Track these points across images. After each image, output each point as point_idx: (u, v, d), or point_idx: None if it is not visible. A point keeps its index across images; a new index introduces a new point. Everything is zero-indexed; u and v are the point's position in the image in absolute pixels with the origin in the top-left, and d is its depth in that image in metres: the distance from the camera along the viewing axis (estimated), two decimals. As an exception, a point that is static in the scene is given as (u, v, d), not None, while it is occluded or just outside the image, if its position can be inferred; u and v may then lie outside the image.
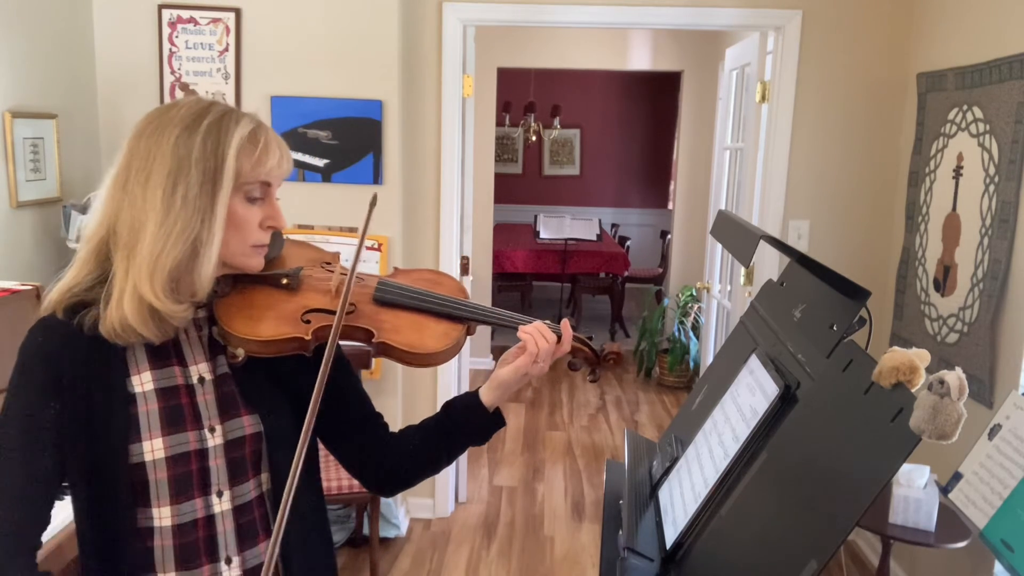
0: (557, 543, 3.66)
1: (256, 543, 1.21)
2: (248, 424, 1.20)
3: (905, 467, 2.42)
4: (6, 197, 2.79)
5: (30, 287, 2.41)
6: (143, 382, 1.14)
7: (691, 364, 5.85)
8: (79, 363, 1.12)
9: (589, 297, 7.87)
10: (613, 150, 9.43)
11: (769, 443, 1.17)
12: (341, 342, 1.17)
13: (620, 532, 1.28)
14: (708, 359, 4.70)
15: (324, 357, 1.12)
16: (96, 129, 3.30)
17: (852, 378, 1.07)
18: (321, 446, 1.36)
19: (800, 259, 1.38)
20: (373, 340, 1.23)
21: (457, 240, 3.62)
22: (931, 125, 3.14)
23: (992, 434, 2.25)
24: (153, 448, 1.12)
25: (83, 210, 2.88)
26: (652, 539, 1.27)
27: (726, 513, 1.16)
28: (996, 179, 2.64)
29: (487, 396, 1.32)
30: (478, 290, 5.61)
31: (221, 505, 1.18)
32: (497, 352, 5.91)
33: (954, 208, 2.93)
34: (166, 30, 3.26)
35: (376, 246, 3.36)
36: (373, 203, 1.20)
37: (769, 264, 3.49)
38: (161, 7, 3.25)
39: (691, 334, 5.86)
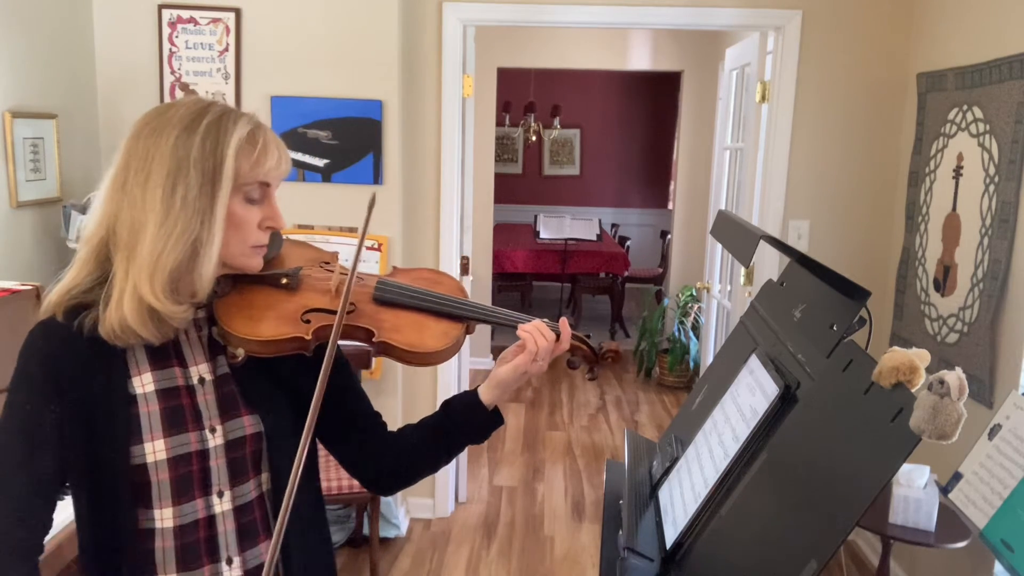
0: (557, 543, 3.66)
1: (256, 543, 1.21)
2: (248, 424, 1.20)
3: (905, 467, 2.42)
4: (6, 197, 2.79)
5: (30, 287, 2.41)
6: (144, 383, 1.14)
7: (691, 364, 5.85)
8: (79, 365, 1.11)
9: (589, 297, 7.87)
10: (613, 150, 9.43)
11: (769, 443, 1.17)
12: (341, 342, 1.17)
13: (620, 532, 1.28)
14: (708, 359, 4.70)
15: (325, 357, 1.12)
16: (96, 129, 3.30)
17: (852, 378, 1.07)
18: (320, 446, 1.36)
19: (800, 259, 1.38)
20: (373, 339, 1.23)
21: (457, 240, 3.62)
22: (931, 125, 3.14)
23: (992, 434, 2.25)
24: (155, 449, 1.12)
25: (83, 210, 2.88)
26: (652, 539, 1.27)
27: (726, 513, 1.16)
28: (996, 179, 2.64)
29: (486, 395, 1.32)
30: (478, 290, 5.61)
31: (222, 505, 1.18)
32: (497, 352, 5.91)
33: (954, 208, 2.93)
34: (166, 30, 3.26)
35: (376, 246, 3.36)
36: (372, 204, 1.20)
37: (769, 264, 3.49)
38: (161, 7, 3.25)
39: (691, 334, 5.86)
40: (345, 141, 3.32)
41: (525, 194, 9.46)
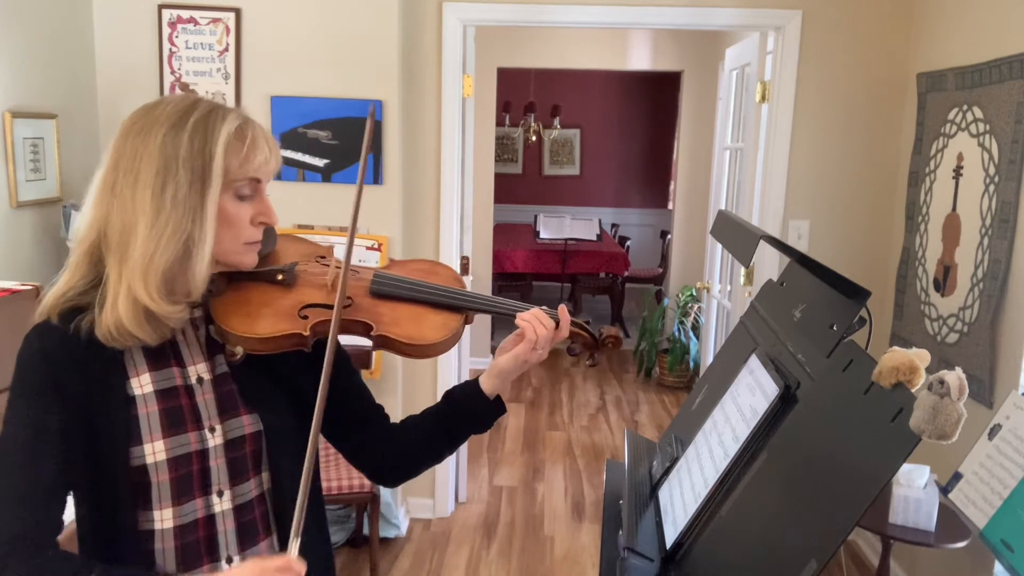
0: (557, 543, 3.66)
1: (256, 542, 1.21)
2: (248, 423, 1.20)
3: (905, 467, 2.42)
4: (6, 197, 2.79)
5: (30, 287, 2.41)
6: (142, 384, 1.14)
7: (691, 364, 5.85)
8: (77, 368, 1.11)
9: (589, 297, 7.88)
10: (613, 150, 9.43)
11: (769, 443, 1.17)
12: (340, 337, 1.17)
13: (620, 532, 1.28)
14: (708, 359, 4.70)
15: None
16: (96, 129, 3.30)
17: (852, 378, 1.07)
18: (321, 443, 1.36)
19: (800, 259, 1.38)
20: (372, 333, 1.22)
21: (457, 240, 3.62)
22: (931, 125, 3.14)
23: (992, 434, 2.25)
24: (154, 450, 1.12)
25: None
26: (652, 539, 1.27)
27: (726, 513, 1.16)
28: (996, 179, 2.64)
29: (487, 384, 1.32)
30: (478, 290, 5.58)
31: (222, 505, 1.17)
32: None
33: (954, 208, 2.93)
34: (166, 30, 3.26)
35: (376, 246, 3.36)
36: (372, 116, 1.18)
37: (769, 264, 3.49)
38: (161, 7, 3.25)
39: (691, 334, 5.86)
40: (345, 141, 3.32)
41: (525, 194, 9.46)
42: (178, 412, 1.15)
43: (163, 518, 1.13)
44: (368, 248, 3.35)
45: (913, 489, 2.47)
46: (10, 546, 1.06)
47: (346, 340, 1.23)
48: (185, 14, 3.25)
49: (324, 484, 2.95)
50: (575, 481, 4.34)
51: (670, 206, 8.75)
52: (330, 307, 1.19)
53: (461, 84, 3.50)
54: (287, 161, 3.30)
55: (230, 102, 3.26)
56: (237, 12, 3.25)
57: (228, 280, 1.20)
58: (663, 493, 1.38)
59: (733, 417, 1.29)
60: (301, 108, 3.30)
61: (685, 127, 6.51)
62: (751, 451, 1.19)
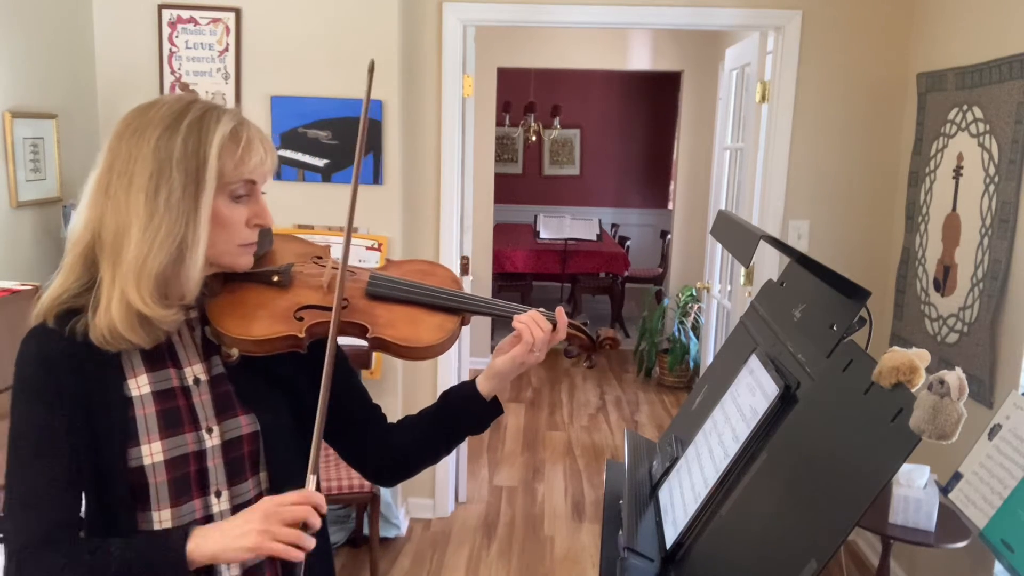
0: (557, 543, 3.66)
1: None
2: (245, 424, 1.19)
3: (905, 467, 2.42)
4: (6, 197, 2.79)
5: (30, 287, 2.41)
6: (139, 385, 1.14)
7: (691, 364, 5.85)
8: (75, 370, 1.11)
9: (589, 297, 7.87)
10: (613, 150, 9.43)
11: (769, 443, 1.17)
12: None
13: (620, 532, 1.28)
14: (708, 359, 4.70)
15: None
16: (96, 129, 3.30)
17: (852, 378, 1.07)
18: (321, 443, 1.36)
19: (800, 259, 1.38)
20: (368, 335, 1.22)
21: (457, 240, 3.62)
22: (931, 125, 3.14)
23: (992, 434, 2.25)
24: (152, 452, 1.12)
25: (83, 210, 2.88)
26: (652, 539, 1.27)
27: (726, 513, 1.16)
28: (996, 179, 2.64)
29: (484, 385, 1.32)
30: (478, 290, 5.60)
31: (220, 505, 1.17)
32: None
33: (954, 208, 2.93)
34: (166, 30, 3.26)
35: (376, 246, 3.36)
36: (371, 71, 1.18)
37: (769, 264, 3.49)
38: (161, 7, 3.25)
39: (691, 334, 5.86)
40: (345, 141, 3.31)
41: (525, 194, 9.46)
42: (175, 413, 1.15)
43: (162, 519, 1.13)
44: (368, 248, 3.35)
45: (913, 489, 2.47)
46: (28, 547, 1.06)
47: (345, 340, 1.23)
48: (185, 14, 3.25)
49: (324, 484, 2.95)
50: (575, 481, 4.34)
51: (670, 206, 8.75)
52: (326, 308, 1.19)
53: (461, 84, 3.50)
54: (287, 161, 3.30)
55: (230, 102, 3.26)
56: (237, 12, 3.25)
57: (224, 281, 1.19)
58: (663, 493, 1.38)
59: (733, 417, 1.29)
60: (301, 108, 3.30)
61: (685, 127, 6.51)
62: (751, 451, 1.19)
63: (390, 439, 1.35)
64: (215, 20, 3.26)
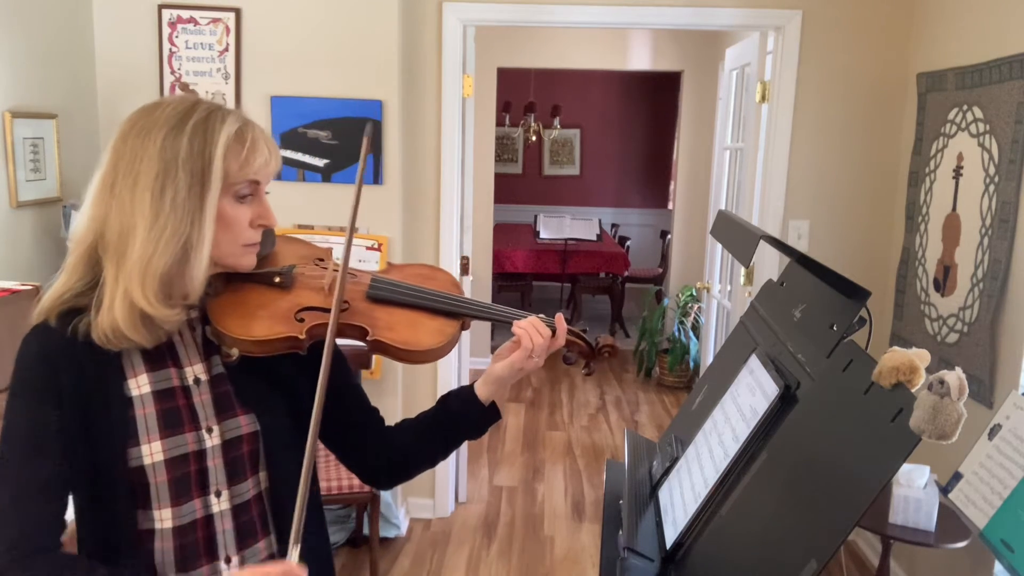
0: (557, 543, 3.66)
1: (255, 542, 1.21)
2: (245, 424, 1.20)
3: (905, 467, 2.42)
4: (6, 197, 2.79)
5: (30, 287, 2.41)
6: (139, 385, 1.14)
7: (691, 364, 5.85)
8: (75, 369, 1.11)
9: (589, 297, 7.87)
10: (613, 150, 9.43)
11: (769, 443, 1.17)
12: (335, 339, 1.17)
13: (620, 532, 1.28)
14: (708, 359, 4.70)
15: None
16: (96, 129, 3.30)
17: (852, 378, 1.07)
18: (319, 444, 1.36)
19: (800, 259, 1.38)
20: (367, 338, 1.22)
21: (457, 240, 3.62)
22: (931, 125, 3.14)
23: (992, 434, 2.25)
24: (152, 451, 1.12)
25: (83, 210, 2.88)
26: (652, 539, 1.27)
27: (726, 513, 1.16)
28: (996, 179, 2.64)
29: (482, 390, 1.32)
30: (478, 290, 5.61)
31: (220, 505, 1.17)
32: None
33: (954, 208, 2.93)
34: (166, 30, 3.26)
35: (376, 246, 3.36)
36: (369, 136, 1.18)
37: (769, 264, 3.49)
38: (161, 7, 3.25)
39: (691, 334, 5.86)
40: (345, 141, 3.32)
41: (525, 194, 9.46)
42: (175, 413, 1.15)
43: (162, 518, 1.13)
44: (368, 248, 3.35)
45: (913, 489, 2.47)
46: (13, 550, 1.06)
47: (345, 341, 1.23)
48: (185, 14, 3.25)
49: (324, 484, 2.95)
50: (575, 481, 4.34)
51: (670, 206, 8.75)
52: (327, 310, 1.19)
53: (461, 84, 3.50)
54: (287, 161, 3.30)
55: (230, 102, 3.27)
56: (237, 12, 3.25)
57: (226, 281, 1.19)
58: (663, 493, 1.38)
59: (733, 417, 1.29)
60: (301, 108, 3.30)
61: (685, 127, 6.51)
62: (751, 451, 1.19)
63: (388, 442, 1.35)
64: (215, 20, 3.26)
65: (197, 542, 1.16)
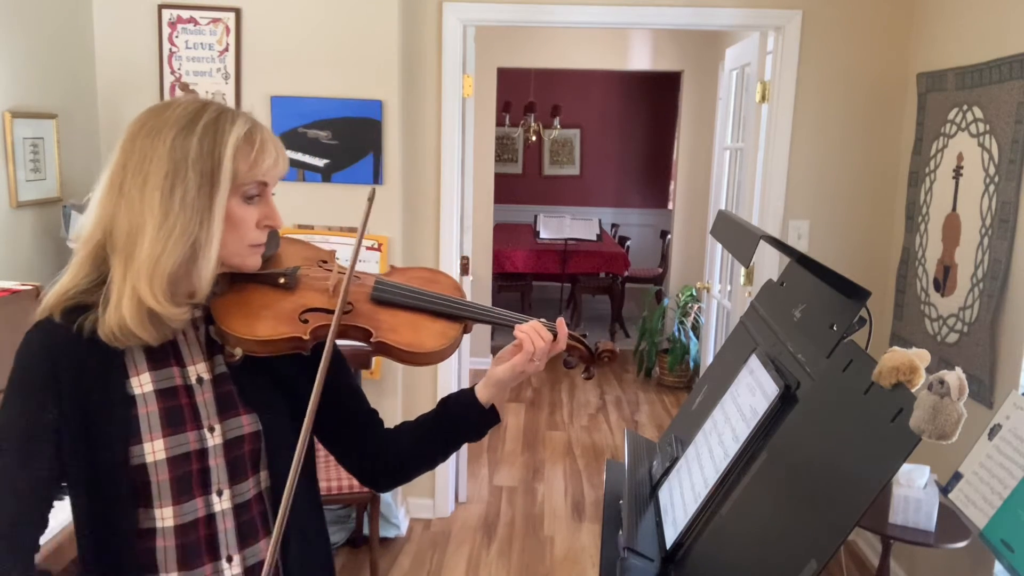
0: (557, 543, 3.66)
1: (256, 541, 1.22)
2: (247, 423, 1.20)
3: (905, 467, 2.42)
4: (6, 197, 2.79)
5: (30, 287, 2.41)
6: (142, 383, 1.14)
7: (691, 364, 5.85)
8: (77, 366, 1.11)
9: (589, 297, 7.87)
10: (613, 150, 9.43)
11: (769, 443, 1.17)
12: (339, 341, 1.17)
13: (620, 532, 1.28)
14: (708, 359, 4.70)
15: (323, 356, 1.12)
16: (96, 129, 3.30)
17: (852, 378, 1.07)
18: (319, 445, 1.36)
19: (800, 259, 1.38)
20: (371, 339, 1.23)
21: (457, 240, 3.62)
22: (931, 125, 3.14)
23: (992, 434, 2.25)
24: (154, 449, 1.12)
25: (83, 210, 2.88)
26: (652, 539, 1.27)
27: (726, 513, 1.16)
28: (996, 179, 2.64)
29: (483, 393, 1.32)
30: (478, 290, 5.61)
31: (221, 504, 1.18)
32: (497, 351, 5.90)
33: (954, 208, 2.93)
34: (166, 30, 3.26)
35: (376, 246, 3.36)
36: (371, 199, 1.19)
37: (769, 264, 3.49)
38: (161, 7, 3.25)
39: (691, 334, 5.86)
40: (345, 141, 3.32)
41: (525, 194, 9.46)
42: (178, 412, 1.15)
43: (164, 517, 1.14)
44: (368, 248, 3.35)
45: (913, 489, 2.47)
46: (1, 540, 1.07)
47: (347, 341, 1.23)
48: (185, 14, 3.25)
49: (324, 484, 2.95)
50: (575, 481, 4.34)
51: (670, 206, 8.75)
52: (331, 312, 1.19)
53: (461, 84, 3.50)
54: (287, 161, 3.30)
55: (230, 102, 3.27)
56: (237, 12, 3.25)
57: (230, 281, 1.20)
58: (663, 493, 1.38)
59: (733, 417, 1.29)
60: (301, 108, 3.30)
61: (685, 127, 6.51)
62: (751, 451, 1.19)
63: (387, 444, 1.35)
64: (215, 20, 3.26)
65: (199, 541, 1.16)
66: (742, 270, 3.73)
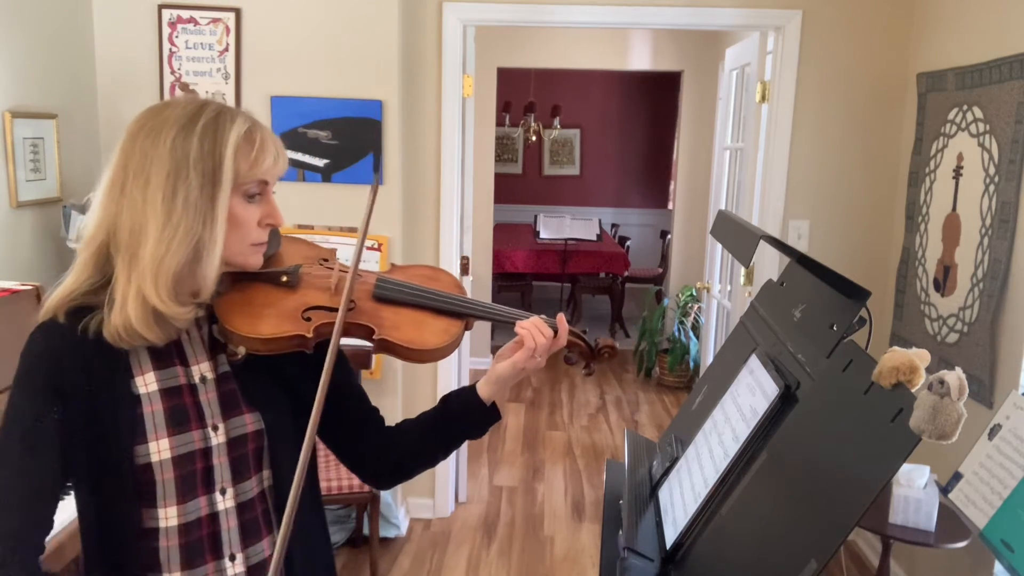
0: (557, 543, 3.66)
1: (259, 539, 1.22)
2: (250, 422, 1.20)
3: (905, 467, 2.42)
4: (6, 197, 2.79)
5: (30, 287, 2.41)
6: (147, 383, 1.15)
7: (691, 364, 5.85)
8: (82, 366, 1.11)
9: (589, 297, 7.87)
10: (613, 150, 9.43)
11: (769, 443, 1.17)
12: (341, 339, 1.17)
13: (620, 532, 1.28)
14: (708, 359, 4.70)
15: (327, 355, 1.12)
16: (96, 129, 3.30)
17: (852, 378, 1.07)
18: (320, 444, 1.36)
19: (800, 259, 1.38)
20: (374, 337, 1.23)
21: (457, 240, 3.62)
22: (931, 125, 3.14)
23: (992, 434, 2.25)
24: (159, 449, 1.13)
25: (83, 210, 2.88)
26: (652, 539, 1.27)
27: (726, 513, 1.16)
28: (996, 179, 2.64)
29: (484, 390, 1.32)
30: (478, 290, 5.61)
31: (224, 503, 1.18)
32: (497, 351, 5.90)
33: (954, 208, 2.93)
34: (166, 30, 3.26)
35: (376, 246, 3.36)
36: (375, 191, 1.20)
37: (769, 264, 3.49)
38: (161, 7, 3.25)
39: (691, 334, 5.86)
40: (345, 141, 3.32)
41: (525, 194, 9.46)
42: (182, 411, 1.16)
43: (167, 516, 1.14)
44: (368, 248, 3.35)
45: (913, 489, 2.47)
46: (7, 540, 1.07)
47: (348, 340, 1.24)
48: (185, 14, 3.25)
49: (324, 484, 2.95)
50: (575, 481, 4.34)
51: (670, 206, 8.75)
52: (333, 310, 1.20)
53: (461, 84, 3.50)
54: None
55: (230, 102, 3.26)
56: (237, 12, 3.25)
57: (232, 280, 1.20)
58: (663, 493, 1.38)
59: (733, 417, 1.30)
60: (301, 108, 3.30)
61: (685, 127, 6.51)
62: (751, 451, 1.19)
63: (388, 442, 1.36)
64: (215, 20, 3.26)
65: (202, 539, 1.17)
66: (742, 270, 3.73)
